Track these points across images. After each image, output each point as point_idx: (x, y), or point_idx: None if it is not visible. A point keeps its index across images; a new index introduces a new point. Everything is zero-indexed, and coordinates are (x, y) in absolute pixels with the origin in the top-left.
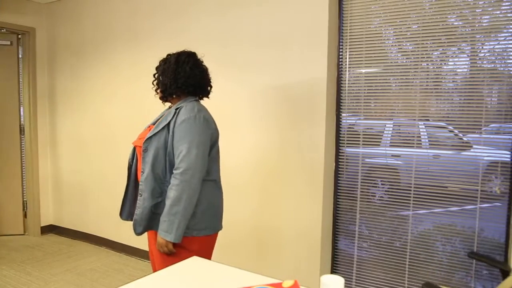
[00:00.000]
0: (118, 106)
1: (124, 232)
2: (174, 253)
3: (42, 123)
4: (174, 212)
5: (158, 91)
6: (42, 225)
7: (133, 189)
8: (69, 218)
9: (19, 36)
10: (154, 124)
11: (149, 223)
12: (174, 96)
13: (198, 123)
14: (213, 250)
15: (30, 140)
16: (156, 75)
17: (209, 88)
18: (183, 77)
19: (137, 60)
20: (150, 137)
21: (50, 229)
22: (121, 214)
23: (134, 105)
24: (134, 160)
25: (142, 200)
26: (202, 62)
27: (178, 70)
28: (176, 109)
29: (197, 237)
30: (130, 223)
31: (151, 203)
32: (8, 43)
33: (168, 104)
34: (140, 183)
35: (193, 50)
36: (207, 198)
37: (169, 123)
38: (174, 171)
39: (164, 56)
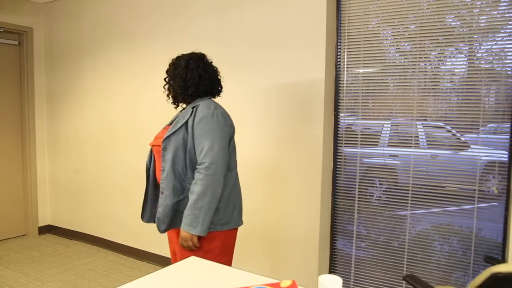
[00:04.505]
0: (116, 106)
1: (122, 232)
2: (198, 247)
3: (40, 123)
4: (199, 206)
5: (170, 96)
6: (39, 226)
7: (153, 191)
8: (67, 218)
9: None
10: (170, 124)
11: (172, 221)
12: (185, 101)
13: (216, 120)
14: (234, 245)
15: (28, 140)
16: (166, 79)
17: (219, 88)
18: (192, 85)
19: (135, 60)
20: (169, 136)
21: (48, 230)
22: (142, 217)
23: (132, 105)
24: (152, 162)
25: (163, 198)
26: (211, 62)
27: (188, 78)
28: (193, 107)
29: (221, 231)
30: (130, 223)
31: (173, 200)
32: (16, 43)
33: (179, 108)
34: (161, 181)
35: (194, 51)
36: (228, 192)
37: (187, 121)
38: (198, 167)
39: (163, 56)
